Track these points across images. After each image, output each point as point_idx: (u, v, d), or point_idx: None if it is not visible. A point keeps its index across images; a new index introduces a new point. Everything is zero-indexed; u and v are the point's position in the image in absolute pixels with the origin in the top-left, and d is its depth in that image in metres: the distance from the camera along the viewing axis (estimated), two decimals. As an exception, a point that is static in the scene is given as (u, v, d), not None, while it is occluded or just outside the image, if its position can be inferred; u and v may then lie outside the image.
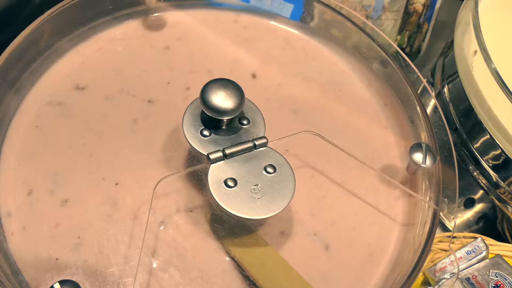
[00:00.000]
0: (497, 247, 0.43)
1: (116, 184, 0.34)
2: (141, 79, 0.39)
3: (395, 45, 0.39)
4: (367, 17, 0.55)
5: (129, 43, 0.41)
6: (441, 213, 0.33)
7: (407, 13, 0.56)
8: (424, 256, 0.31)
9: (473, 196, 0.51)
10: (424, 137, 0.36)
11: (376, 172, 0.35)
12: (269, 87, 0.40)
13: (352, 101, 0.40)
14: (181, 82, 0.39)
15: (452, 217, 0.33)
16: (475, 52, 0.41)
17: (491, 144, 0.42)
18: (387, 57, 0.39)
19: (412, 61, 0.60)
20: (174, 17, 0.43)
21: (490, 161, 0.43)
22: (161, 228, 0.33)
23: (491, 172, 0.43)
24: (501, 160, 0.42)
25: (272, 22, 0.44)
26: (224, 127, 0.33)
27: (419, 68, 0.61)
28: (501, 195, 0.43)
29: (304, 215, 0.35)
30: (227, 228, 0.33)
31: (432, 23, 0.57)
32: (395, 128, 0.39)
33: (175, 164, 0.35)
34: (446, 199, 0.48)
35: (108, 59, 0.40)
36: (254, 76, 0.40)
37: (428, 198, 0.34)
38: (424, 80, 0.44)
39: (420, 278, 0.41)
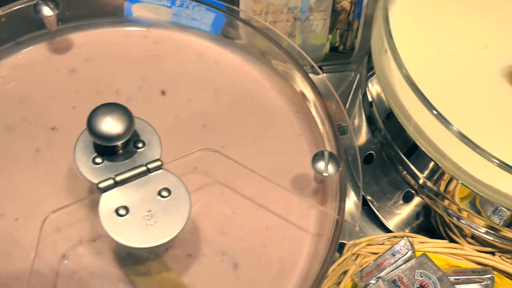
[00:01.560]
0: (429, 245, 0.43)
1: (16, 219, 0.33)
2: (45, 105, 0.38)
3: (297, 47, 0.39)
4: (295, 19, 0.55)
5: (33, 69, 0.40)
6: (345, 221, 0.32)
7: (335, 12, 0.55)
8: (324, 267, 0.30)
9: (410, 190, 0.51)
10: (330, 144, 0.36)
11: (281, 186, 0.34)
12: (179, 103, 0.39)
13: (265, 110, 0.40)
14: (87, 105, 0.38)
15: (355, 225, 0.32)
16: (386, 50, 0.40)
17: (413, 145, 0.41)
18: (291, 62, 0.38)
19: (347, 58, 0.59)
20: (81, 37, 0.42)
21: (414, 161, 0.42)
22: (64, 262, 0.32)
23: (416, 172, 0.42)
24: (424, 160, 0.41)
25: (184, 35, 0.43)
26: (119, 151, 0.32)
27: (356, 66, 0.61)
28: (429, 193, 0.43)
29: (213, 235, 0.34)
30: (131, 256, 0.32)
31: (362, 19, 0.56)
32: (308, 135, 0.38)
33: (79, 193, 0.34)
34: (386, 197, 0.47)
35: (11, 88, 0.39)
36: (163, 93, 0.39)
37: (333, 207, 0.33)
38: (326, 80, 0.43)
39: (349, 284, 0.41)
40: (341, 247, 0.44)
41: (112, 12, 0.42)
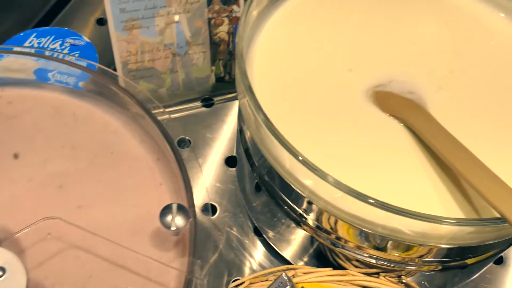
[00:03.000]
0: (314, 275, 0.42)
1: None
2: None
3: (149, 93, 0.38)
4: (173, 55, 0.54)
5: None
6: (194, 276, 0.31)
7: (214, 44, 0.55)
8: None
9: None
10: (181, 194, 0.35)
11: (134, 250, 0.33)
12: (33, 165, 0.38)
13: (125, 161, 0.39)
14: None
15: (204, 279, 0.31)
16: (242, 91, 0.40)
17: (283, 179, 0.40)
18: (143, 109, 0.37)
19: (235, 87, 0.59)
20: None
21: (289, 196, 0.42)
22: None
23: (294, 206, 0.42)
24: (298, 194, 0.41)
25: (41, 92, 0.41)
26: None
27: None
28: (309, 225, 0.42)
29: (68, 303, 0.33)
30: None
31: (242, 48, 0.56)
32: (169, 184, 0.37)
33: None
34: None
35: None
36: (16, 156, 0.38)
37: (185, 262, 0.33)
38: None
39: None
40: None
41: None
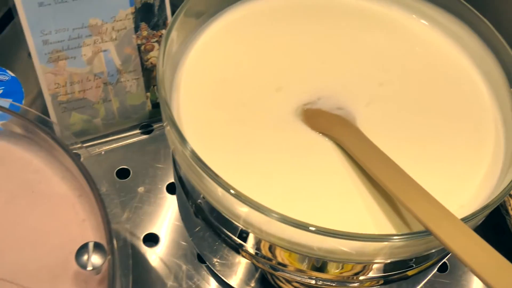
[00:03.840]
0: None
1: None
2: None
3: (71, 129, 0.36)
4: (105, 84, 0.53)
5: None
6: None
7: (146, 70, 0.54)
8: None
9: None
10: (100, 232, 0.33)
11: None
12: None
13: (47, 200, 0.37)
14: None
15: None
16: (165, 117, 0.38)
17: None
18: (57, 144, 0.36)
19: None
20: None
21: (224, 224, 0.41)
22: None
23: (229, 234, 0.41)
24: (228, 223, 0.39)
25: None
26: None
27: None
28: (248, 252, 0.41)
29: None
30: None
31: (176, 72, 0.55)
32: (92, 220, 0.36)
33: None
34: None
35: None
36: None
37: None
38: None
39: None
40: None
41: None
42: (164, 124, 0.39)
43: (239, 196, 0.33)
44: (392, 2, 0.48)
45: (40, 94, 0.51)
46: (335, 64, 0.45)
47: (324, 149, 0.40)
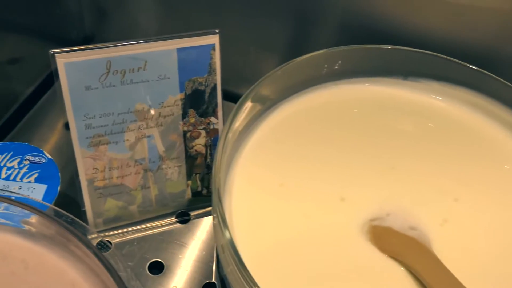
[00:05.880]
0: None
1: None
2: None
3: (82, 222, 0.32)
4: (145, 170, 0.49)
5: None
6: None
7: (190, 157, 0.50)
8: None
9: None
10: None
11: None
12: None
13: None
14: None
15: None
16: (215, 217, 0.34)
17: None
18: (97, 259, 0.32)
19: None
20: None
21: None
22: None
23: None
24: None
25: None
26: None
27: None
28: None
29: None
30: None
31: (222, 160, 0.51)
32: None
33: None
34: None
35: None
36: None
37: None
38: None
39: None
40: None
41: None
42: (213, 218, 0.35)
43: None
44: (473, 107, 0.44)
45: (73, 169, 0.46)
46: (405, 171, 0.41)
47: (395, 276, 0.36)
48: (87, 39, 0.66)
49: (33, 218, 0.36)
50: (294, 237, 0.37)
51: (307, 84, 0.43)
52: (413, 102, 0.44)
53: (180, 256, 0.51)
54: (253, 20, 0.55)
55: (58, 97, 0.43)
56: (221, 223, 0.32)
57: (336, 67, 0.44)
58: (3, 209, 0.36)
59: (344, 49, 0.42)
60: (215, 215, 0.34)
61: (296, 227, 0.38)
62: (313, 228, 0.38)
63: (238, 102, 0.38)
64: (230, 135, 0.36)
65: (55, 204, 0.46)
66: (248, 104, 0.39)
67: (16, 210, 0.36)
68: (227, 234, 0.32)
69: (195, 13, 0.56)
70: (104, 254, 0.35)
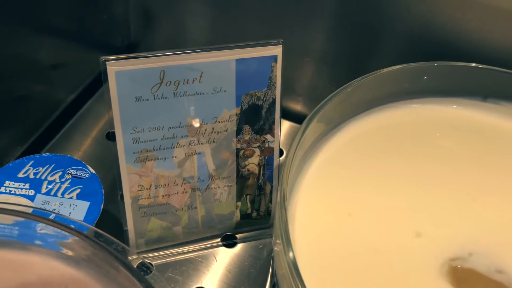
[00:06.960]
0: None
1: None
2: None
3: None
4: (193, 189, 0.45)
5: None
6: None
7: (241, 177, 0.46)
8: None
9: None
10: None
11: None
12: None
13: None
14: None
15: None
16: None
17: None
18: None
19: (264, 223, 0.50)
20: None
21: None
22: None
23: None
24: None
25: (26, 256, 0.32)
26: None
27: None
28: None
29: None
30: None
31: (275, 182, 0.47)
32: None
33: None
34: None
35: None
36: None
37: None
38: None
39: None
40: None
41: None
42: (274, 243, 0.31)
43: None
44: None
45: (113, 183, 0.43)
46: (490, 204, 0.37)
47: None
48: (131, 46, 0.63)
49: (72, 240, 0.33)
50: (362, 275, 0.33)
51: (377, 102, 0.39)
52: (495, 127, 0.40)
53: (226, 284, 0.47)
54: (313, 31, 0.51)
55: (106, 107, 0.40)
56: (285, 248, 0.28)
57: (409, 85, 0.40)
58: (41, 229, 0.33)
59: (423, 65, 0.38)
60: (278, 241, 0.31)
61: (365, 263, 0.34)
62: (384, 265, 0.34)
63: (307, 119, 0.34)
64: (299, 153, 0.32)
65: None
66: (315, 123, 0.35)
67: (55, 230, 0.32)
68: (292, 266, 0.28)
69: (250, 21, 0.53)
70: (146, 277, 0.31)
